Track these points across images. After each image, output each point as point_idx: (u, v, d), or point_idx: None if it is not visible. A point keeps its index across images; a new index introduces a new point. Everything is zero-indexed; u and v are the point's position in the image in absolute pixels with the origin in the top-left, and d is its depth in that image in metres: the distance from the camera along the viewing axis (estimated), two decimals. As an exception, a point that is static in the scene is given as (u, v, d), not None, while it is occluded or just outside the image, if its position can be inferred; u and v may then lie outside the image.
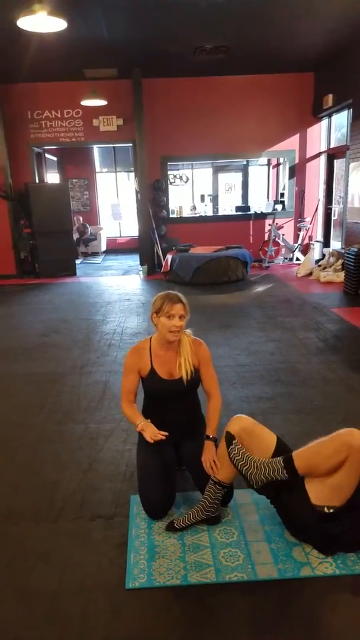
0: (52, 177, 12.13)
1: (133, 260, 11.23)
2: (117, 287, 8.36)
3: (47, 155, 11.30)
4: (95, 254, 12.43)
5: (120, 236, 13.49)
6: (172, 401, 2.42)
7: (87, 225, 12.34)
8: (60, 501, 2.54)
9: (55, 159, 12.28)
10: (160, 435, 2.26)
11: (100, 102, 8.87)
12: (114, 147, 12.45)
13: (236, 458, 2.12)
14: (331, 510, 2.02)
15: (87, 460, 2.93)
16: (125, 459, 2.91)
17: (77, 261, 10.63)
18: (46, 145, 10.09)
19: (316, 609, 1.86)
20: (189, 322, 2.48)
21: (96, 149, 12.93)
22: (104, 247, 12.72)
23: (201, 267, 8.08)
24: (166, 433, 2.27)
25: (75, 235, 11.51)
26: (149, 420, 2.37)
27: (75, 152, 12.33)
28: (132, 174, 12.84)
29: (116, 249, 13.13)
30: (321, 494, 2.03)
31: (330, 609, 1.86)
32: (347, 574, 1.99)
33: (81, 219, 12.33)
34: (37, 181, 9.93)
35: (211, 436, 2.42)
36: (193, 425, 2.58)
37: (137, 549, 2.17)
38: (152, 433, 2.27)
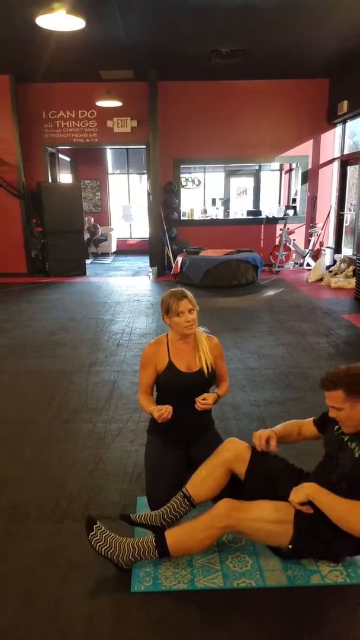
0: (65, 178, 12.18)
1: (143, 262, 11.23)
2: (126, 288, 8.35)
3: (60, 156, 11.34)
4: (105, 254, 12.44)
5: (131, 237, 13.50)
6: (187, 397, 2.38)
7: (98, 226, 12.36)
8: (65, 500, 2.51)
9: (68, 159, 12.34)
10: (166, 410, 2.29)
11: (115, 103, 8.88)
12: (127, 149, 12.48)
13: (99, 544, 1.98)
14: (290, 546, 1.95)
15: (94, 460, 2.90)
16: (132, 460, 2.88)
17: (87, 261, 10.63)
18: (60, 145, 10.13)
19: (326, 619, 1.81)
20: (199, 322, 2.47)
21: (109, 151, 12.97)
22: (114, 248, 12.73)
23: (211, 270, 8.04)
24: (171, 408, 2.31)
25: (86, 236, 11.53)
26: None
27: (88, 153, 12.37)
28: (144, 176, 12.86)
29: (126, 250, 13.13)
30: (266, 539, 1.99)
31: (340, 619, 1.81)
32: (358, 583, 1.94)
33: (92, 219, 12.35)
34: (49, 181, 9.97)
35: (217, 391, 2.50)
36: (204, 425, 2.55)
37: (143, 552, 2.13)
38: (160, 410, 2.30)
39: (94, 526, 2.02)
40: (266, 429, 2.31)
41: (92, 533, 2.00)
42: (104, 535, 2.00)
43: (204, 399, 2.38)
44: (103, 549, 1.98)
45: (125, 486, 2.63)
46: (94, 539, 1.99)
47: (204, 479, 2.19)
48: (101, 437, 3.17)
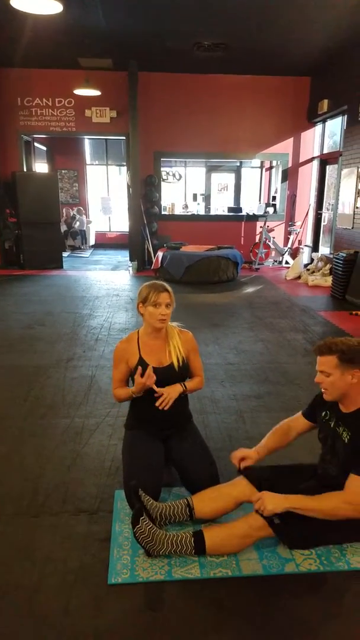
0: (41, 167, 11.96)
1: (122, 256, 11.16)
2: (105, 282, 8.29)
3: (36, 144, 11.13)
4: (82, 247, 12.31)
5: (110, 231, 13.40)
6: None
7: (77, 217, 12.17)
8: (42, 495, 2.49)
9: (44, 148, 12.11)
10: (149, 377, 2.30)
11: (94, 92, 8.75)
12: (105, 139, 12.34)
13: (142, 536, 2.00)
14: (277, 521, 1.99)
15: (71, 455, 2.88)
16: (110, 454, 2.87)
17: (64, 254, 10.50)
18: (36, 133, 9.93)
19: (301, 606, 1.84)
20: (179, 318, 2.47)
21: (87, 141, 12.80)
22: (92, 241, 12.60)
23: (192, 266, 8.05)
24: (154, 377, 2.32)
25: (63, 228, 11.39)
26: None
27: (66, 142, 12.17)
28: (124, 168, 12.75)
29: (105, 243, 13.03)
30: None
31: (314, 605, 1.85)
32: (331, 571, 1.99)
33: (71, 211, 12.18)
34: (25, 170, 9.78)
35: (184, 384, 2.48)
36: (181, 420, 2.56)
37: (121, 544, 2.13)
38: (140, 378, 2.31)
39: (140, 518, 2.02)
40: (249, 448, 2.34)
41: (138, 526, 2.01)
42: (147, 527, 2.01)
43: (162, 396, 2.37)
44: (145, 541, 2.00)
45: (102, 480, 2.62)
46: (139, 531, 2.00)
47: (213, 500, 2.19)
48: (79, 432, 3.15)
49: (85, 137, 11.65)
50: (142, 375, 2.33)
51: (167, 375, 2.44)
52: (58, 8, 5.15)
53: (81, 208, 12.30)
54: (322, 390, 2.09)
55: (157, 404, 2.37)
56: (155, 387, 2.37)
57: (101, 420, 3.29)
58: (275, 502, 1.95)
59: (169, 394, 2.39)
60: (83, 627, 1.76)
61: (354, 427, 2.03)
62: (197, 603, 1.86)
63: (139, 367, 2.37)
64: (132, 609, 1.84)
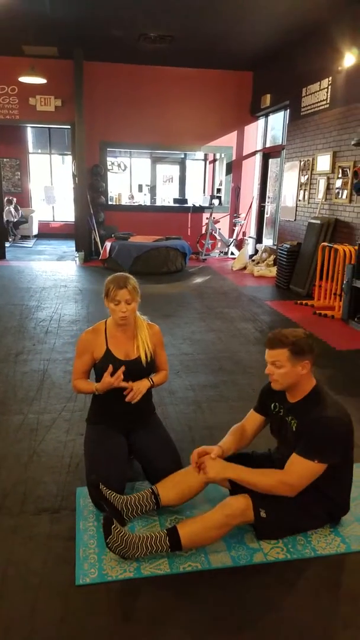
0: (-19, 155, 11.39)
1: (68, 246, 10.87)
2: (51, 273, 8.04)
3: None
4: (25, 237, 11.87)
5: (54, 220, 13.00)
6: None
7: (18, 207, 11.71)
8: (-1, 496, 2.38)
9: (-16, 135, 11.55)
10: (117, 379, 2.27)
11: (40, 80, 8.42)
12: (49, 128, 11.94)
13: (115, 545, 1.92)
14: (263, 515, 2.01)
15: (27, 453, 2.77)
16: (69, 450, 2.79)
17: (6, 244, 10.07)
18: (-24, 120, 9.45)
19: (272, 595, 1.87)
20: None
21: (30, 129, 12.34)
22: (35, 231, 12.18)
23: (141, 256, 7.98)
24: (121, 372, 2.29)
25: (9, 218, 10.92)
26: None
27: (8, 130, 11.64)
28: (68, 157, 12.41)
29: (49, 233, 12.64)
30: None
31: (284, 594, 1.89)
32: (298, 558, 2.03)
33: (14, 200, 11.66)
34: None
35: (151, 378, 2.46)
36: (145, 413, 2.53)
37: (86, 543, 2.08)
38: (109, 378, 2.27)
39: (112, 527, 1.92)
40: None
41: (110, 536, 1.91)
42: (120, 535, 1.93)
43: (130, 391, 2.35)
44: (119, 549, 1.92)
45: (62, 477, 2.54)
46: (112, 540, 1.91)
47: (177, 484, 2.17)
48: (34, 428, 3.04)
49: (29, 125, 11.19)
50: (111, 374, 2.28)
51: (134, 368, 2.39)
52: None
53: (12, 199, 11.75)
54: (272, 380, 2.12)
55: (127, 398, 2.33)
56: (124, 384, 2.32)
57: (57, 416, 3.19)
58: (217, 469, 2.04)
59: (138, 388, 2.35)
60: (53, 630, 1.70)
61: (301, 414, 2.08)
62: (168, 599, 1.85)
63: (110, 366, 2.29)
64: (102, 609, 1.79)
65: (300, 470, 1.98)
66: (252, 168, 10.42)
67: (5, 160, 12.02)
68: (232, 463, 2.11)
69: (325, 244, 6.26)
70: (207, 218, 10.18)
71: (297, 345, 2.01)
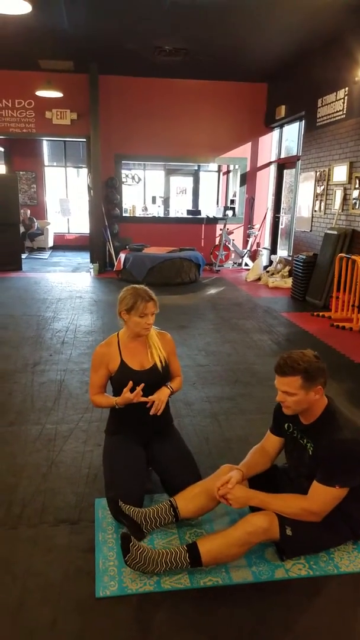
0: (-2, 168, 11.61)
1: (82, 258, 10.97)
2: (67, 284, 8.11)
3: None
4: (41, 249, 12.02)
5: (69, 232, 13.15)
6: (144, 395, 2.34)
7: (34, 219, 11.90)
8: (18, 506, 2.38)
9: (2, 149, 11.78)
10: (137, 395, 2.28)
11: (56, 94, 8.58)
12: (64, 141, 12.13)
13: (134, 562, 1.90)
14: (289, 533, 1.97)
15: (46, 463, 2.77)
16: (86, 461, 2.79)
17: (23, 256, 10.21)
18: (-5, 134, 9.65)
19: (293, 613, 1.84)
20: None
21: (46, 143, 12.55)
22: (51, 243, 12.33)
23: (155, 267, 8.02)
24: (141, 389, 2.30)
25: (21, 229, 11.07)
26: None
27: (24, 143, 11.89)
28: (82, 170, 12.57)
29: (64, 245, 12.77)
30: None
31: (306, 611, 1.85)
32: (321, 575, 1.99)
33: (28, 212, 11.87)
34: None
35: (169, 385, 2.47)
36: (162, 423, 2.52)
37: (106, 555, 2.07)
38: (129, 394, 2.28)
39: (130, 545, 1.90)
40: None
41: (129, 554, 1.90)
42: (138, 552, 1.91)
43: (153, 404, 2.36)
44: (137, 565, 1.91)
45: (81, 488, 2.54)
46: (131, 558, 1.90)
47: (195, 496, 2.15)
48: (52, 438, 3.05)
49: (44, 138, 11.40)
50: (131, 390, 2.28)
51: (151, 377, 2.40)
52: (27, 8, 4.94)
53: (27, 211, 11.93)
54: (284, 407, 2.06)
55: (151, 412, 2.34)
56: (144, 399, 2.32)
57: (74, 426, 3.20)
58: (241, 500, 2.02)
59: (159, 398, 2.36)
60: (73, 643, 1.69)
61: (316, 437, 2.03)
62: (188, 614, 1.82)
63: (130, 382, 2.30)
64: (122, 623, 1.77)
65: (323, 497, 1.95)
66: (266, 179, 10.44)
67: (21, 173, 12.23)
68: (254, 490, 2.07)
69: (343, 255, 6.23)
70: (220, 229, 10.21)
71: (309, 373, 1.94)
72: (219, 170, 12.20)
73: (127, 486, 2.20)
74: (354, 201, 6.55)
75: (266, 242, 10.61)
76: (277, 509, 1.98)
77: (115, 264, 8.74)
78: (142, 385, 2.31)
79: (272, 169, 10.33)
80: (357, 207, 6.49)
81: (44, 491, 2.51)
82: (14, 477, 2.62)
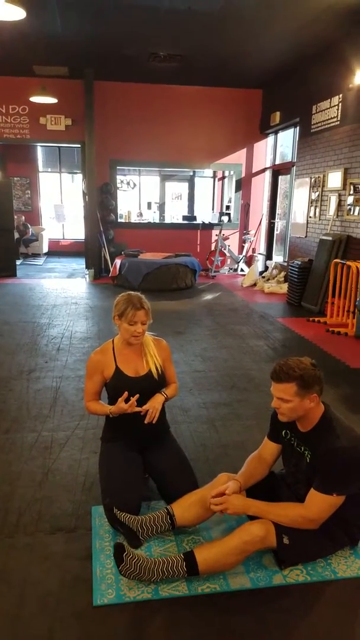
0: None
1: (77, 264, 10.96)
2: (62, 290, 8.10)
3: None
4: (36, 255, 12.00)
5: (64, 238, 13.14)
6: (139, 402, 2.33)
7: (29, 225, 11.90)
8: (14, 514, 2.37)
9: (-4, 155, 11.78)
10: (131, 406, 2.28)
11: (51, 100, 8.61)
12: (59, 147, 12.15)
13: (129, 572, 1.89)
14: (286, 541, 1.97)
15: (42, 471, 2.76)
16: (83, 469, 2.77)
17: (17, 262, 10.19)
18: (-11, 140, 9.65)
19: (291, 618, 1.83)
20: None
21: (40, 148, 12.56)
22: (45, 249, 12.31)
23: (151, 273, 8.02)
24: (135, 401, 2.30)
25: (15, 235, 11.06)
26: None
27: (18, 149, 11.90)
28: (77, 176, 12.59)
29: (59, 251, 12.76)
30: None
31: (304, 616, 1.85)
32: (318, 581, 1.99)
33: (23, 218, 11.87)
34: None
35: (164, 392, 2.46)
36: (159, 430, 2.51)
37: (103, 563, 2.05)
38: (123, 404, 2.27)
39: (124, 554, 1.89)
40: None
41: (122, 564, 1.88)
42: (133, 561, 1.89)
43: (147, 411, 2.36)
44: (133, 575, 1.89)
45: (77, 496, 2.52)
46: (125, 568, 1.88)
47: (192, 504, 2.15)
48: (48, 446, 3.03)
49: (39, 144, 11.41)
50: (126, 400, 2.28)
51: (146, 384, 2.40)
52: (21, 14, 4.97)
53: (21, 217, 11.95)
54: (279, 413, 2.06)
55: (146, 420, 2.34)
56: (138, 409, 2.32)
57: (70, 434, 3.19)
58: (238, 508, 2.02)
59: (153, 406, 2.35)
60: (70, 653, 1.67)
61: (313, 444, 2.03)
62: (186, 621, 1.81)
63: (126, 393, 2.29)
64: (120, 631, 1.77)
65: (320, 505, 1.95)
66: (261, 185, 10.49)
67: (15, 179, 12.23)
68: (252, 499, 2.07)
69: (338, 260, 6.26)
70: (216, 235, 10.24)
71: (304, 380, 1.95)
72: (214, 176, 12.25)
73: (123, 493, 2.19)
74: (348, 207, 6.59)
75: (262, 247, 10.65)
76: (275, 518, 1.98)
77: (111, 269, 8.74)
78: (137, 396, 2.30)
79: (267, 175, 10.39)
80: (351, 212, 6.53)
81: (40, 499, 2.49)
82: (10, 486, 2.61)
